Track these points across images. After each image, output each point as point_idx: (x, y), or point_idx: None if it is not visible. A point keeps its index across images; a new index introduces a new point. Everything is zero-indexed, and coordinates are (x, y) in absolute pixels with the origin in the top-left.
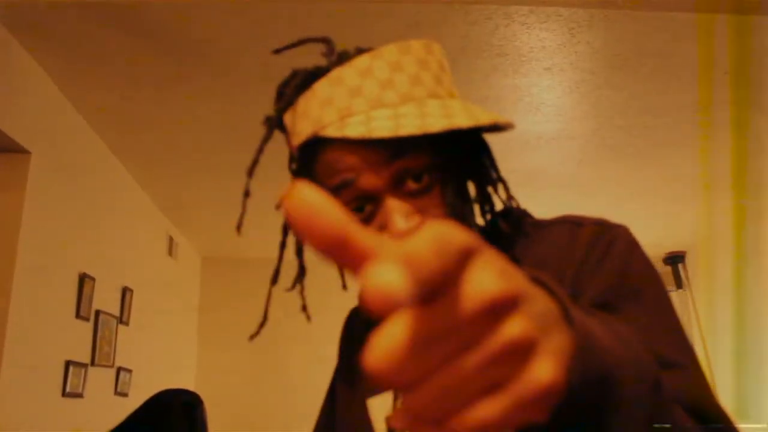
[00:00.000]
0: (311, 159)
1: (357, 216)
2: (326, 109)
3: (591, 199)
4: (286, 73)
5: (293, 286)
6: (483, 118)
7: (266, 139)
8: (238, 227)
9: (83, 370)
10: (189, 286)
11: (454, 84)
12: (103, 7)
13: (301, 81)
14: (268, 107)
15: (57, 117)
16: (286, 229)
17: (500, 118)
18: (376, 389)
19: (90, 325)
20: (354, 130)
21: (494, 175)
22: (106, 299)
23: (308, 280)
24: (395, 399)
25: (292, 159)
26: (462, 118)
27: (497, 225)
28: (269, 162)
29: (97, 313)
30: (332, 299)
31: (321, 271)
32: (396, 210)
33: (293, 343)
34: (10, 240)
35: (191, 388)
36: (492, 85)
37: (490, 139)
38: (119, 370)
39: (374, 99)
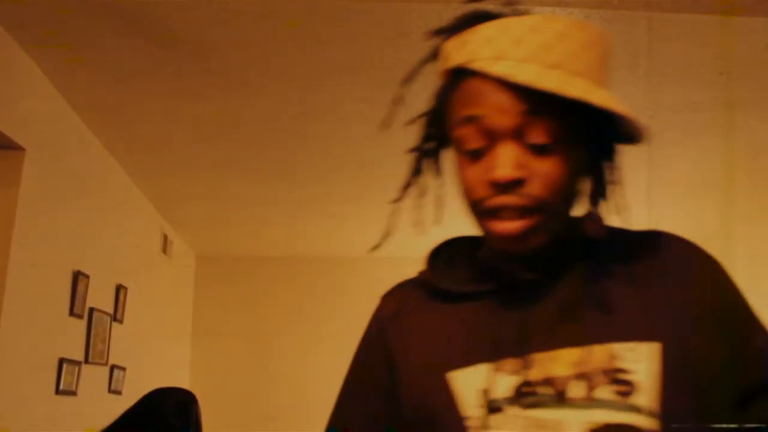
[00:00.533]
0: (453, 87)
1: (473, 154)
2: (484, 47)
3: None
4: (280, 72)
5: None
6: (617, 107)
7: (426, 60)
8: (383, 239)
9: (77, 368)
10: (183, 284)
11: (607, 80)
12: (98, 4)
13: (473, 17)
14: (263, 104)
15: (51, 114)
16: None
17: (635, 118)
18: (460, 362)
19: (84, 322)
20: (501, 69)
21: (613, 176)
22: (100, 297)
23: (308, 284)
24: (494, 372)
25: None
26: (599, 98)
27: (582, 226)
28: (265, 165)
29: (91, 310)
30: (327, 299)
31: (318, 275)
32: (506, 155)
33: (287, 340)
34: (4, 237)
35: (185, 385)
36: None
37: None
38: (113, 367)
39: (530, 54)
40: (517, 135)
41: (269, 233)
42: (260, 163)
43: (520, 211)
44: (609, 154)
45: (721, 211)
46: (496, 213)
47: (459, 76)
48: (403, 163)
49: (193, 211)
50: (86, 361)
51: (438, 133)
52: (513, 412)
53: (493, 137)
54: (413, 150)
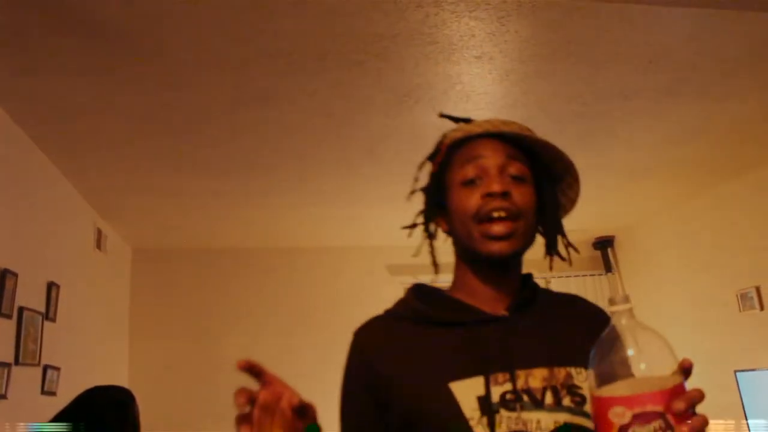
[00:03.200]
0: (453, 152)
1: (470, 183)
2: (474, 127)
3: None
4: (214, 63)
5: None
6: (562, 151)
7: (432, 154)
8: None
9: (6, 370)
10: (119, 280)
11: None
12: None
13: (457, 120)
14: (197, 96)
15: None
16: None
17: (568, 158)
18: (459, 375)
19: (13, 322)
20: (493, 127)
21: (558, 225)
22: (30, 295)
23: (250, 276)
24: (488, 383)
25: (432, 156)
26: (556, 146)
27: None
28: (201, 157)
29: (21, 309)
30: (270, 291)
31: (260, 266)
32: (497, 178)
33: (232, 334)
34: None
35: (124, 383)
36: (423, 72)
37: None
38: (46, 368)
39: (499, 124)
40: (501, 170)
41: (208, 225)
42: (196, 155)
43: (508, 216)
44: (552, 191)
45: (656, 193)
46: (490, 219)
47: (455, 147)
48: (340, 152)
49: (127, 204)
50: (17, 362)
51: (436, 199)
52: (503, 413)
53: (485, 171)
54: (423, 214)
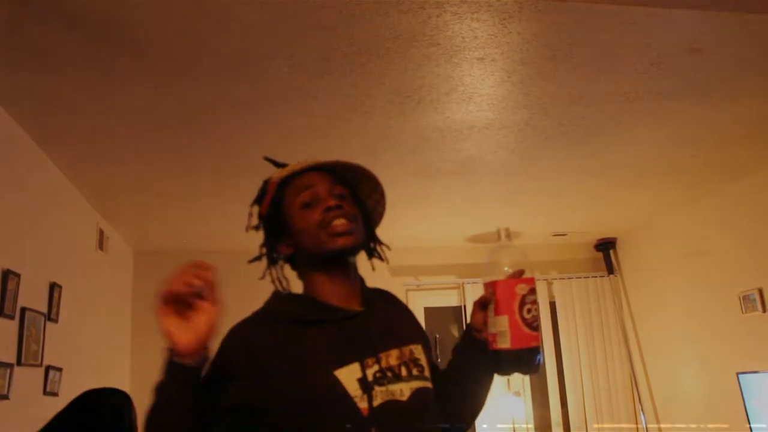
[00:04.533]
0: (284, 188)
1: (308, 205)
2: (293, 165)
3: (524, 187)
4: (217, 63)
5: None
6: (367, 169)
7: (258, 197)
8: (282, 286)
9: (8, 371)
10: (121, 281)
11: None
12: None
13: (278, 164)
14: (199, 96)
15: None
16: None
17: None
18: (341, 363)
19: (15, 323)
20: (309, 163)
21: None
22: (32, 296)
23: (252, 278)
24: (363, 367)
25: (259, 199)
26: (363, 167)
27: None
28: (204, 158)
29: (23, 310)
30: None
31: (262, 269)
32: (329, 198)
33: None
34: None
35: (126, 385)
36: (425, 74)
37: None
38: (48, 369)
39: (313, 161)
40: (330, 191)
41: (210, 227)
42: (198, 156)
43: (345, 219)
44: (366, 206)
45: (658, 195)
46: (331, 224)
47: (284, 184)
48: (342, 153)
49: (129, 205)
50: (19, 363)
51: (277, 227)
52: (377, 389)
53: (318, 194)
54: (267, 245)
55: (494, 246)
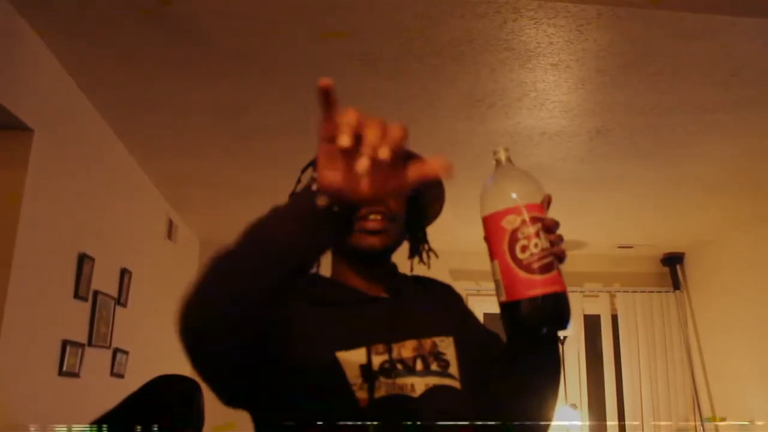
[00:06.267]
0: None
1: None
2: None
3: (591, 196)
4: (294, 61)
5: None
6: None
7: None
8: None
9: (80, 350)
10: (187, 270)
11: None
12: None
13: None
14: (272, 93)
15: (60, 95)
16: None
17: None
18: (346, 346)
19: (88, 305)
20: None
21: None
22: (104, 280)
23: None
24: (369, 354)
25: (312, 163)
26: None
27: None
28: (271, 152)
29: (96, 293)
30: None
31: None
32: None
33: None
34: (11, 218)
35: (186, 371)
36: (498, 79)
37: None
38: (116, 351)
39: None
40: None
41: None
42: (268, 151)
43: (382, 217)
44: (419, 203)
45: (729, 210)
46: (365, 218)
47: None
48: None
49: (198, 197)
50: (89, 343)
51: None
52: (382, 380)
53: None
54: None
55: (495, 174)
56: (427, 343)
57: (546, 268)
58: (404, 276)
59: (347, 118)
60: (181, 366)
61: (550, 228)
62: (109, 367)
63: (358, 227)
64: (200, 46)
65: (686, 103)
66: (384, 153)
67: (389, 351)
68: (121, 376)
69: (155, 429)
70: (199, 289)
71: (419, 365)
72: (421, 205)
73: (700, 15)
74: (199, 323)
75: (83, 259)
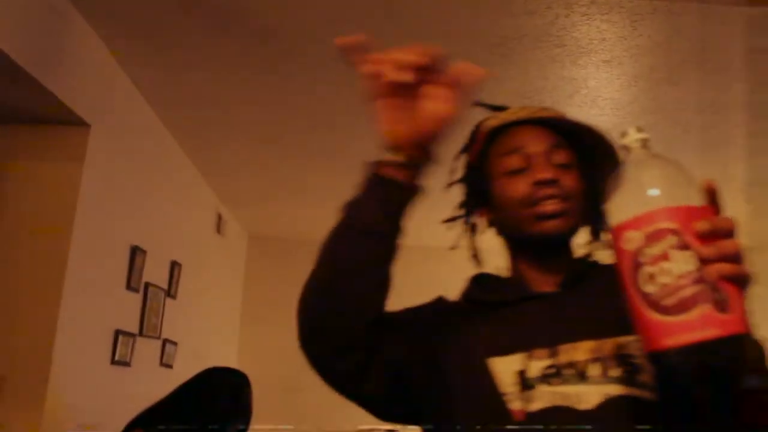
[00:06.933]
0: (490, 143)
1: (516, 172)
2: (510, 114)
3: None
4: (344, 59)
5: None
6: (607, 136)
7: (467, 143)
8: (475, 259)
9: (131, 340)
10: (235, 264)
11: None
12: None
13: (494, 108)
14: (324, 90)
15: (116, 91)
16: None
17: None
18: (500, 351)
19: (139, 296)
20: (526, 115)
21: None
22: (155, 272)
23: None
24: (528, 359)
25: (466, 148)
26: (597, 129)
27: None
28: (321, 149)
29: (147, 285)
30: None
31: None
32: (544, 166)
33: None
34: (69, 211)
35: (233, 363)
36: (548, 75)
37: None
38: (165, 341)
39: (536, 110)
40: (547, 157)
41: (323, 218)
42: (318, 148)
43: (557, 199)
44: (595, 177)
45: None
46: (539, 203)
47: (493, 136)
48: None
49: (248, 192)
50: (140, 333)
51: (476, 190)
52: (542, 388)
53: (531, 159)
54: (464, 206)
55: (628, 163)
56: (610, 343)
57: (688, 304)
58: (588, 264)
59: (372, 63)
60: (227, 358)
61: (709, 241)
62: (158, 357)
63: (530, 213)
64: (254, 45)
65: (744, 101)
66: (407, 68)
67: (554, 354)
68: (169, 366)
69: (205, 420)
70: (312, 270)
71: (594, 371)
72: (597, 179)
73: (759, 9)
74: (313, 297)
75: (135, 252)
